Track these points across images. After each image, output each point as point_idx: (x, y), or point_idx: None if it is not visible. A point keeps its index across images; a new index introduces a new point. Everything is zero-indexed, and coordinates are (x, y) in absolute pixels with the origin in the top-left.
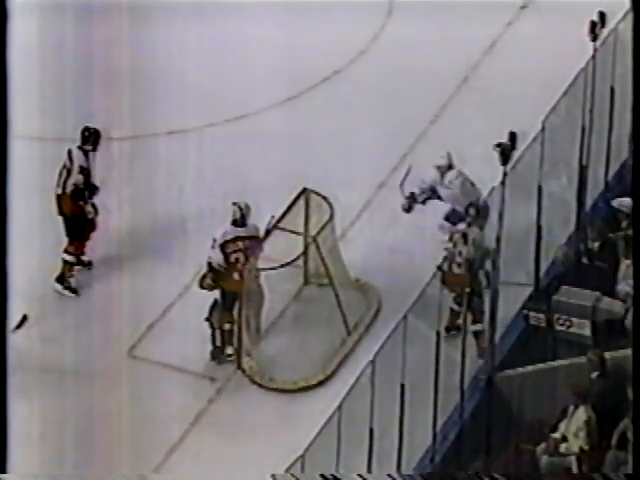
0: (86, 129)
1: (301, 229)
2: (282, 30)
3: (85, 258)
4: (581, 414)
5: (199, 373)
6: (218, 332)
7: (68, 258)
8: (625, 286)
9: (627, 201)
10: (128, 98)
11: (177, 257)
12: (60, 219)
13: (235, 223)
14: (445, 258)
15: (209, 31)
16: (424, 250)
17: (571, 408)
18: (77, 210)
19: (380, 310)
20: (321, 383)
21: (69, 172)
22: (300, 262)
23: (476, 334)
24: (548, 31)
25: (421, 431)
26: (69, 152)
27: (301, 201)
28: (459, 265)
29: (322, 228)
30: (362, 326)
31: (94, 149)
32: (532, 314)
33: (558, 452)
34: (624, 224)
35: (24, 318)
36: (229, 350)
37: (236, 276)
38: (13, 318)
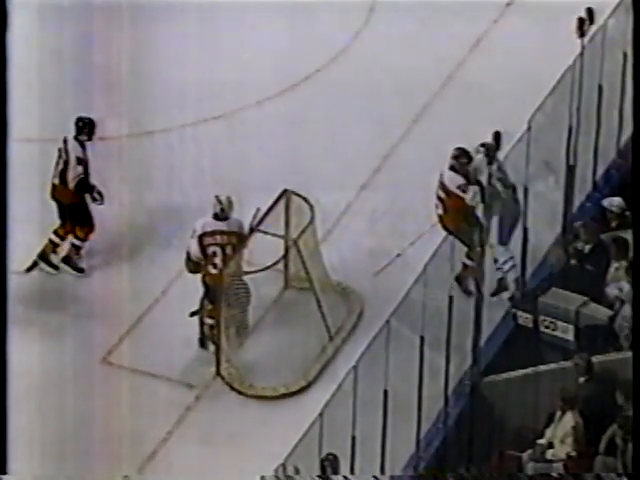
0: (80, 119)
1: (282, 232)
2: (263, 28)
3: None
4: (568, 420)
5: (177, 380)
6: (204, 325)
7: (77, 242)
8: (614, 289)
9: (617, 200)
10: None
11: (156, 260)
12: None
13: (216, 217)
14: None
15: (187, 31)
16: (407, 253)
17: (558, 414)
18: (75, 197)
19: (362, 315)
20: (302, 390)
21: (66, 163)
22: (280, 266)
23: (465, 265)
24: (535, 28)
25: (405, 438)
26: (65, 141)
27: (281, 203)
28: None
29: (303, 231)
30: (344, 331)
31: (89, 139)
32: (520, 314)
33: (544, 458)
34: (613, 224)
35: (34, 264)
36: (211, 348)
37: (212, 270)
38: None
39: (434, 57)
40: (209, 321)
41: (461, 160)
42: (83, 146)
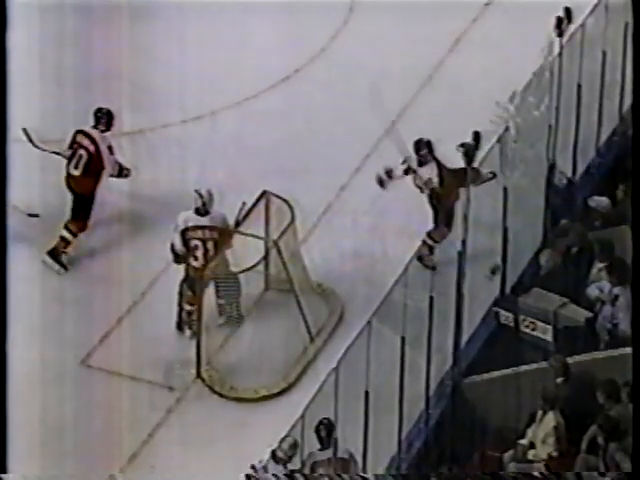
0: (99, 110)
1: (261, 233)
2: (241, 28)
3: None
4: (550, 420)
5: (157, 382)
6: (182, 310)
7: (66, 235)
8: (595, 289)
9: (605, 201)
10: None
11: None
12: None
13: (197, 211)
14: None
15: (167, 31)
16: (387, 254)
17: (539, 414)
18: (87, 190)
19: (343, 316)
20: (283, 392)
21: (92, 155)
22: (261, 267)
23: (424, 242)
24: (513, 27)
25: (386, 439)
26: (82, 133)
27: (261, 204)
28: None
29: (283, 232)
30: (325, 332)
31: (107, 129)
32: (502, 312)
33: (526, 459)
34: (597, 223)
35: (36, 215)
36: (187, 333)
37: (194, 262)
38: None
39: (413, 57)
40: (187, 307)
41: (422, 151)
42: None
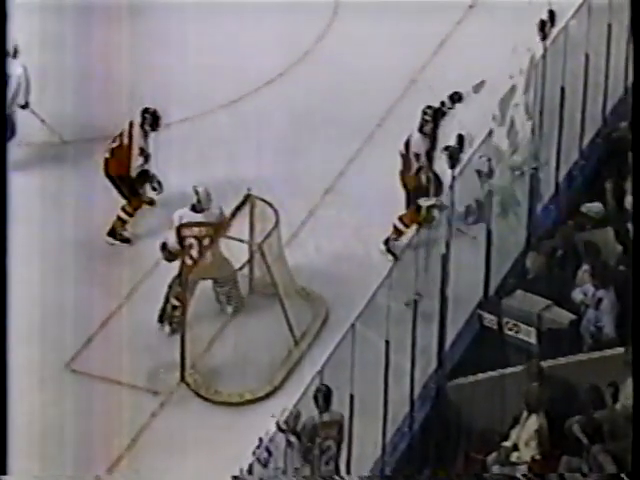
0: (146, 110)
1: (246, 236)
2: (225, 31)
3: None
4: (533, 423)
5: (141, 387)
6: (168, 302)
7: (123, 215)
8: (579, 293)
9: (598, 207)
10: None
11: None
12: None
13: (193, 208)
14: None
15: (151, 32)
16: (371, 257)
17: (524, 415)
18: (116, 172)
19: (327, 319)
20: (268, 395)
21: (123, 145)
22: (245, 270)
23: (395, 228)
24: (497, 30)
25: (371, 442)
26: (130, 125)
27: (245, 207)
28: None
29: (268, 235)
30: (309, 336)
31: (153, 129)
32: (486, 315)
33: (509, 461)
34: (588, 226)
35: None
36: (167, 329)
37: (188, 261)
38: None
39: (398, 59)
40: (174, 301)
41: (426, 116)
42: (146, 136)
